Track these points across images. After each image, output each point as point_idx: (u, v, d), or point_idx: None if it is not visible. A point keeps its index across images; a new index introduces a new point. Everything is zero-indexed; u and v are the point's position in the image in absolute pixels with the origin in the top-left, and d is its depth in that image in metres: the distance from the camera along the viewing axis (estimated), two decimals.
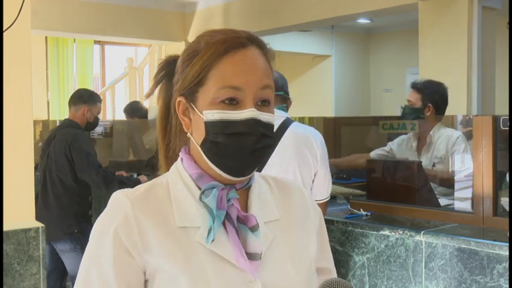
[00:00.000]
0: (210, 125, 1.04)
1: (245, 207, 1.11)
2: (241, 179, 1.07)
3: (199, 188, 1.07)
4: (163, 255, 1.03)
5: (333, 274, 1.25)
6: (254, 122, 1.03)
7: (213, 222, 1.03)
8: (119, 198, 1.07)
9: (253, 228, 1.06)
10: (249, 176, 1.08)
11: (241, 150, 1.03)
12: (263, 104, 1.06)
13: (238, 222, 1.06)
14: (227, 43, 1.06)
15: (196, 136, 1.08)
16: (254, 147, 1.04)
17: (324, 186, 2.69)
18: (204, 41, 1.08)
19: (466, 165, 3.37)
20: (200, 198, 1.05)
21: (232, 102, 1.03)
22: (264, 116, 1.04)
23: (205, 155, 1.06)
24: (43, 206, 3.81)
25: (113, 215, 1.06)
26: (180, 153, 1.13)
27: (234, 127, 1.03)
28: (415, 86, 3.54)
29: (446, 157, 3.41)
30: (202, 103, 1.05)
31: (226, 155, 1.04)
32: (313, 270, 1.16)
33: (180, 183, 1.09)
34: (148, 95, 1.20)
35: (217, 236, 1.04)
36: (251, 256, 1.05)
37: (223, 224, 1.05)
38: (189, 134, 1.10)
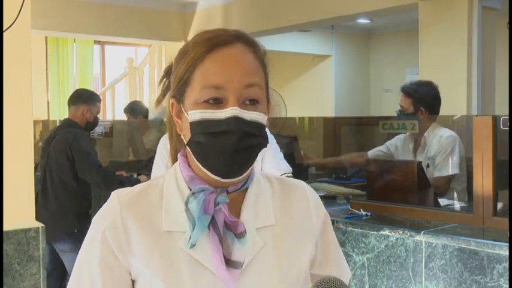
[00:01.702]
0: (194, 125, 1.03)
1: (239, 210, 1.08)
2: (230, 180, 1.04)
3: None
4: (145, 260, 1.04)
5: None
6: (236, 121, 1.00)
7: (193, 228, 1.02)
8: (111, 200, 1.09)
9: (240, 235, 1.03)
10: (239, 178, 1.05)
11: (223, 149, 1.01)
12: (251, 103, 1.03)
13: (225, 228, 1.04)
14: (211, 41, 1.04)
15: (186, 137, 1.07)
16: (237, 146, 1.00)
17: (278, 163, 2.90)
18: (192, 41, 1.07)
19: (445, 167, 3.37)
20: (186, 203, 1.04)
21: (217, 102, 1.01)
22: (247, 114, 1.01)
23: (193, 155, 1.05)
24: (43, 206, 3.81)
25: (103, 217, 1.08)
26: (178, 155, 1.13)
27: (216, 126, 1.01)
28: (405, 91, 3.49)
29: (436, 157, 3.41)
30: (188, 103, 1.04)
31: (210, 155, 1.02)
32: (304, 280, 1.11)
33: (173, 185, 1.09)
34: (158, 103, 1.19)
35: (200, 242, 1.02)
36: (233, 264, 1.03)
37: (209, 229, 1.03)
38: (182, 136, 1.09)
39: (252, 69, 1.04)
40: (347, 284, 1.20)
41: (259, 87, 1.05)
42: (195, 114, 1.02)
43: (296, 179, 1.22)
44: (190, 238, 1.02)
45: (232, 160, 1.02)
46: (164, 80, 1.17)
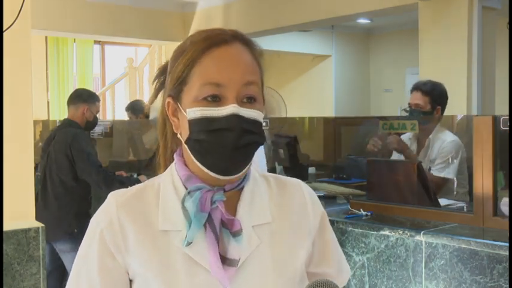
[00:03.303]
0: (193, 123, 1.03)
1: (235, 209, 1.09)
2: (229, 178, 1.05)
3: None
4: (141, 259, 1.05)
5: (336, 279, 1.16)
6: (235, 118, 1.01)
7: (189, 226, 1.03)
8: (108, 201, 1.10)
9: (236, 233, 1.04)
10: (237, 176, 1.06)
11: (223, 146, 1.02)
12: (248, 101, 1.04)
13: (222, 227, 1.05)
14: (209, 39, 1.05)
15: (184, 136, 1.07)
16: (236, 143, 1.01)
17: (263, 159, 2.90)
18: (190, 40, 1.08)
19: (442, 169, 3.36)
20: (182, 201, 1.05)
21: (215, 99, 1.02)
22: (246, 112, 1.02)
23: (191, 153, 1.06)
24: (43, 206, 3.81)
25: (100, 218, 1.09)
26: (174, 155, 1.13)
27: (216, 124, 1.01)
28: (422, 88, 3.46)
29: (436, 160, 3.41)
30: (186, 101, 1.05)
31: (209, 152, 1.03)
32: (299, 277, 1.11)
33: (170, 185, 1.10)
34: (151, 103, 1.20)
35: (196, 240, 1.03)
36: (228, 262, 1.04)
37: (205, 227, 1.04)
38: (179, 135, 1.10)
39: (250, 68, 1.06)
40: (345, 284, 1.20)
41: (256, 85, 1.06)
42: (194, 112, 1.03)
43: (292, 177, 1.23)
44: (186, 236, 1.03)
45: (231, 157, 1.03)
46: (157, 79, 1.18)
